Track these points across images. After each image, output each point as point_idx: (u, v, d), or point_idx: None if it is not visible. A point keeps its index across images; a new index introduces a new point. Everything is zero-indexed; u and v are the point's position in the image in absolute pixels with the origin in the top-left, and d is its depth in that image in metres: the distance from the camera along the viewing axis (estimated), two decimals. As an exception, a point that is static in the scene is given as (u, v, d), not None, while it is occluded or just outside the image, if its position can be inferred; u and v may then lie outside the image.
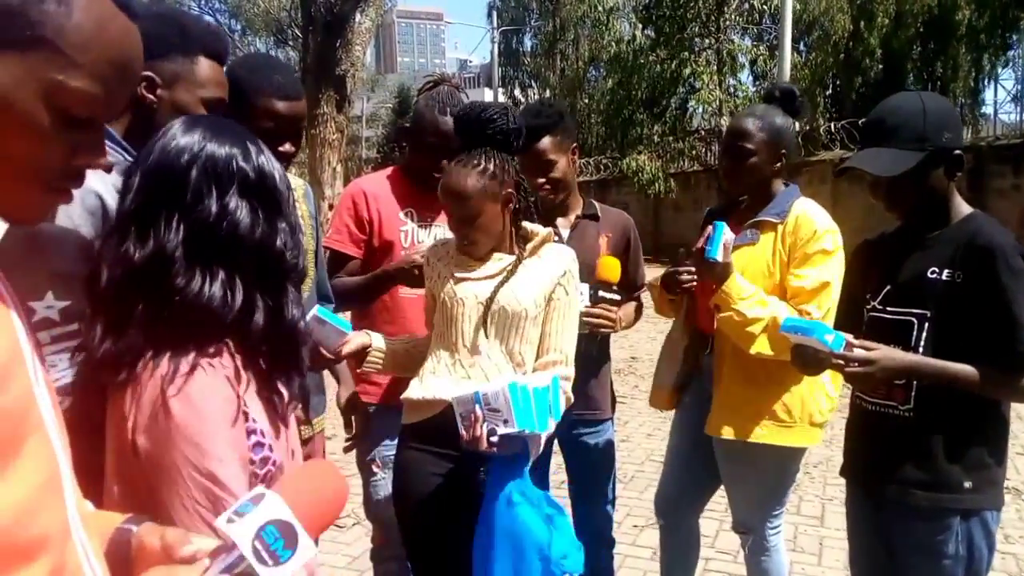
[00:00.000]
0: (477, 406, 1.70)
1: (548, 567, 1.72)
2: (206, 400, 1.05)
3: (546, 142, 2.36)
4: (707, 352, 2.36)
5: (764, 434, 2.20)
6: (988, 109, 24.47)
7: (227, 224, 1.11)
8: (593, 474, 2.49)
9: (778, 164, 2.29)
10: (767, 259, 2.23)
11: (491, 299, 1.89)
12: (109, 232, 1.12)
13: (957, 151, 1.75)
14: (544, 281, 1.95)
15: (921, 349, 1.74)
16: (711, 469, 2.40)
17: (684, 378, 2.45)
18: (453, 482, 1.90)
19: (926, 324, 1.74)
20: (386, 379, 2.35)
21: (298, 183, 2.17)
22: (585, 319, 2.25)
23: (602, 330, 2.31)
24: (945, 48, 21.97)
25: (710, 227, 2.14)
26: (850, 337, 1.74)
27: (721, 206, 2.51)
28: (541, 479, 2.45)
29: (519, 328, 1.92)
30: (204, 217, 1.11)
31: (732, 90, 18.65)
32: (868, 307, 1.85)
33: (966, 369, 1.67)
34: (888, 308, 1.81)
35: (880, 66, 22.47)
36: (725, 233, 2.09)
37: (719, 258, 2.07)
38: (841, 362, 1.71)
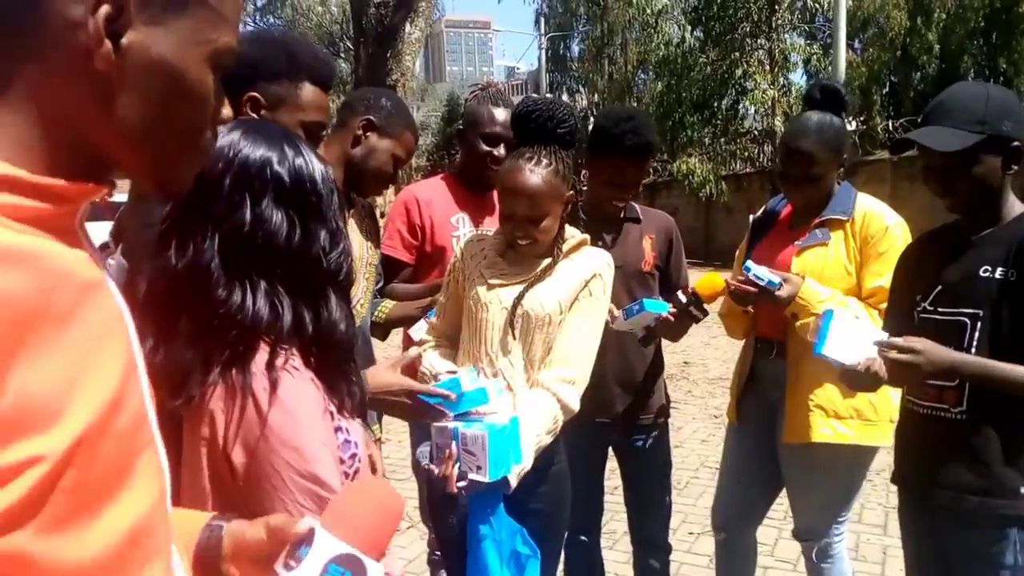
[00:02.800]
0: (454, 442, 1.64)
1: None
2: (298, 403, 1.06)
3: (643, 162, 2.36)
4: (770, 358, 2.32)
5: (853, 434, 2.16)
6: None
7: (262, 233, 1.09)
8: (647, 480, 2.48)
9: (841, 169, 2.26)
10: (842, 258, 2.19)
11: (516, 304, 1.86)
12: (155, 240, 1.12)
13: (1016, 143, 1.69)
14: (572, 284, 1.90)
15: (975, 351, 1.69)
16: (772, 480, 2.36)
17: (745, 388, 2.42)
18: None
19: (979, 324, 1.69)
20: None
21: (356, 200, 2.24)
22: (663, 327, 2.25)
23: (669, 338, 2.28)
24: (1008, 42, 21.24)
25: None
26: (884, 338, 1.71)
27: (765, 214, 2.47)
28: (594, 484, 2.44)
29: (543, 332, 1.87)
30: (239, 226, 1.09)
31: (785, 89, 18.34)
32: (919, 308, 1.80)
33: (1016, 370, 1.61)
34: (939, 309, 1.77)
35: (938, 63, 21.85)
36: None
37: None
38: (889, 352, 1.67)
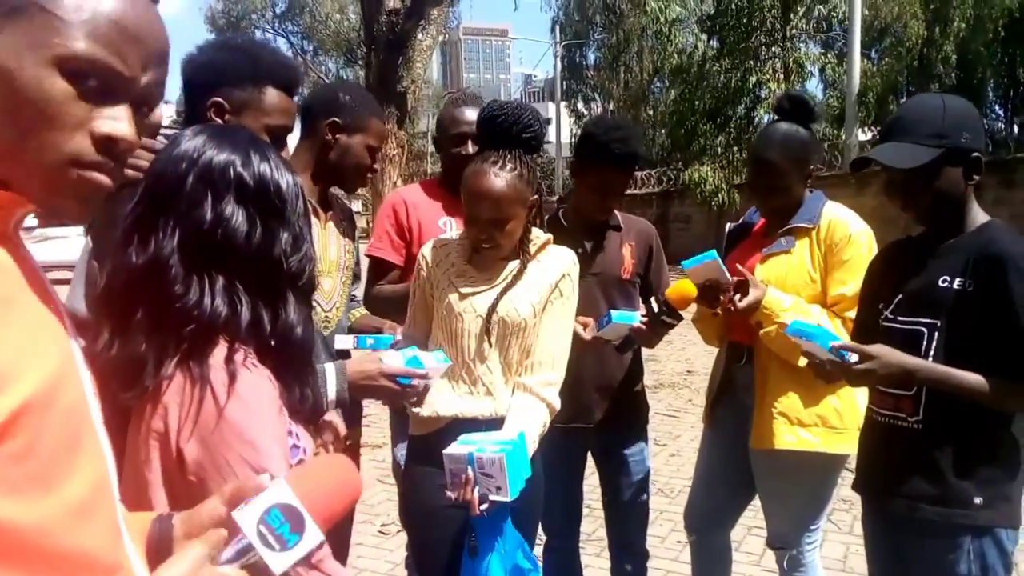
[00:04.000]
0: (470, 467, 1.66)
1: None
2: (255, 398, 1.07)
3: (628, 172, 2.39)
4: (741, 364, 2.34)
5: (818, 442, 2.16)
6: (1076, 115, 23.33)
7: (222, 230, 1.11)
8: (626, 486, 2.48)
9: (808, 179, 2.28)
10: (806, 266, 2.21)
11: (491, 311, 1.87)
12: (116, 239, 1.14)
13: (976, 153, 1.70)
14: (543, 287, 1.93)
15: (931, 358, 1.69)
16: (745, 484, 2.37)
17: (718, 392, 2.43)
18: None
19: (936, 334, 1.69)
20: None
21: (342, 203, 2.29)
22: (638, 335, 2.27)
23: (646, 346, 2.31)
24: (1027, 52, 21.06)
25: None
26: (842, 342, 1.72)
27: (741, 224, 2.48)
28: (573, 490, 2.46)
29: (519, 338, 1.90)
30: (199, 223, 1.11)
31: (800, 99, 18.22)
32: (882, 316, 1.81)
33: (971, 377, 1.61)
34: (900, 317, 1.77)
35: (956, 72, 21.68)
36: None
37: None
38: (839, 360, 1.68)
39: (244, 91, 1.60)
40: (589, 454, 2.52)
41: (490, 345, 1.88)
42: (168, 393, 1.06)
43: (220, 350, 1.08)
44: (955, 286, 1.67)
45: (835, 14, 18.48)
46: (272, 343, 1.13)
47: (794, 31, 18.20)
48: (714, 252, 2.15)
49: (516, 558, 1.77)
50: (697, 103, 19.18)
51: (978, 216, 1.76)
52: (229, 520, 0.82)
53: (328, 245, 2.08)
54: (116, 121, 0.74)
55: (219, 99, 1.58)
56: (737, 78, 17.96)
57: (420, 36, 10.34)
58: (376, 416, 4.75)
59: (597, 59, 32.09)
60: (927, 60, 21.00)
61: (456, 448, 1.70)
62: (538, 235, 1.98)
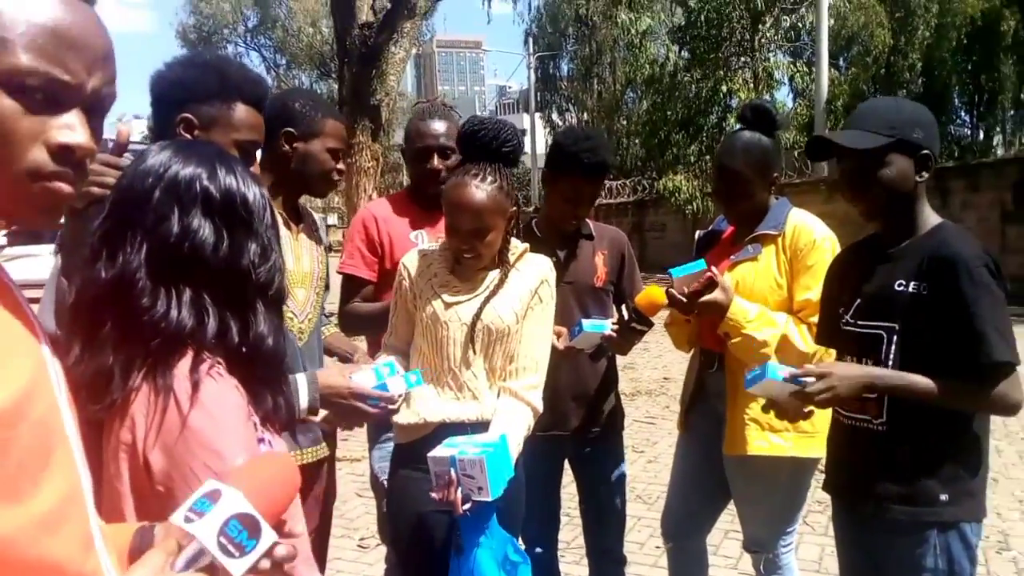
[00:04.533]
0: (452, 470, 1.71)
1: None
2: (220, 407, 1.08)
3: (598, 181, 2.42)
4: (712, 370, 2.37)
5: (789, 446, 2.19)
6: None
7: (188, 243, 1.12)
8: (602, 491, 2.50)
9: (772, 186, 2.32)
10: (772, 272, 2.24)
11: (476, 319, 1.92)
12: (85, 256, 1.14)
13: (926, 151, 1.74)
14: (523, 294, 1.98)
15: (891, 363, 1.73)
16: (720, 489, 2.40)
17: (691, 399, 2.46)
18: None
19: (895, 337, 1.73)
20: None
21: (312, 214, 2.29)
22: (610, 342, 2.29)
23: (618, 352, 2.32)
24: (989, 60, 21.53)
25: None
26: (793, 371, 1.74)
27: (710, 232, 2.52)
28: (550, 497, 2.47)
29: (503, 344, 1.95)
30: (166, 236, 1.11)
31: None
32: (842, 320, 1.84)
33: (925, 381, 1.64)
34: (859, 321, 1.81)
35: (922, 79, 22.11)
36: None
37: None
38: (800, 388, 1.71)
39: (213, 107, 1.61)
40: (567, 462, 2.53)
41: (475, 352, 1.93)
42: (135, 404, 1.07)
43: (185, 361, 1.09)
44: (910, 290, 1.71)
45: (803, 24, 18.78)
46: (243, 353, 1.14)
47: (763, 41, 18.46)
48: (703, 262, 2.18)
49: (506, 552, 1.82)
50: (669, 113, 19.39)
51: (930, 218, 1.80)
52: (178, 530, 0.83)
53: (301, 256, 2.08)
54: (69, 130, 0.75)
55: (188, 115, 1.59)
56: (708, 88, 18.18)
57: (393, 49, 10.35)
58: (356, 431, 4.74)
59: (570, 70, 32.34)
60: (894, 68, 21.42)
61: (440, 451, 1.75)
62: (516, 244, 2.03)
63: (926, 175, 1.75)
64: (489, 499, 1.71)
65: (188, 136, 1.54)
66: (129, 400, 1.07)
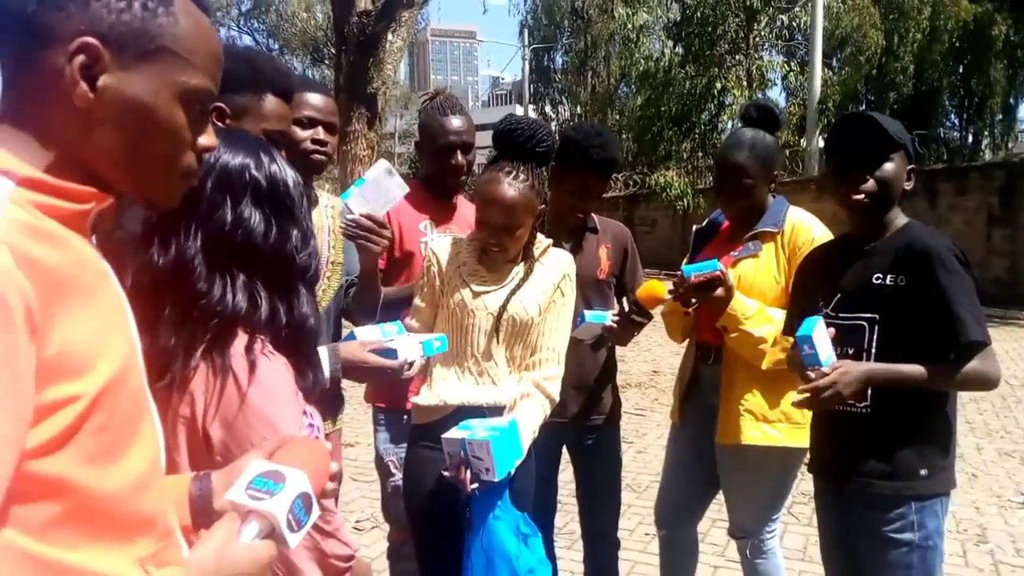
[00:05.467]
0: (463, 451, 1.82)
1: None
2: (274, 383, 1.16)
3: (606, 176, 2.49)
4: (709, 363, 2.45)
5: (782, 436, 2.28)
6: (1026, 125, 24.16)
7: (242, 231, 1.19)
8: (599, 477, 2.58)
9: (773, 184, 2.40)
10: (772, 268, 2.33)
11: (502, 309, 2.01)
12: (137, 241, 1.21)
13: (913, 167, 1.93)
14: (546, 287, 2.08)
15: (873, 350, 1.86)
16: (711, 479, 2.48)
17: (686, 391, 2.55)
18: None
19: (876, 327, 1.87)
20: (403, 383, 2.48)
21: (336, 200, 2.34)
22: (611, 333, 2.36)
23: (618, 343, 2.41)
24: (980, 64, 21.74)
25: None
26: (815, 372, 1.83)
27: (708, 225, 2.60)
28: (548, 482, 2.56)
29: (525, 334, 2.05)
30: (220, 225, 1.19)
31: (763, 106, 18.59)
32: (823, 315, 1.95)
33: (915, 368, 1.79)
34: (841, 314, 1.93)
35: (914, 81, 22.30)
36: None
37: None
38: (810, 393, 1.82)
39: (244, 97, 1.68)
40: (565, 449, 2.61)
41: (498, 341, 2.03)
42: (194, 381, 1.14)
43: (240, 341, 1.16)
44: (888, 282, 1.85)
45: (797, 23, 18.91)
46: (287, 332, 1.22)
47: (757, 39, 18.58)
48: (716, 263, 2.24)
49: (518, 524, 1.93)
50: (663, 109, 19.50)
51: (899, 218, 1.95)
52: (240, 506, 0.92)
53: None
54: (209, 136, 0.90)
55: (220, 104, 1.64)
56: (702, 85, 18.29)
57: (390, 38, 10.38)
58: (349, 417, 4.79)
59: (565, 63, 32.33)
60: (886, 69, 21.57)
61: (453, 433, 1.85)
62: (541, 240, 2.13)
63: (910, 185, 1.92)
64: (495, 480, 1.80)
65: (219, 124, 1.60)
66: (188, 378, 1.14)
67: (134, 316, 1.11)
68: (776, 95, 20.79)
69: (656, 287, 2.31)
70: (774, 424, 2.28)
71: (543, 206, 2.04)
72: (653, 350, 8.29)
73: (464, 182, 2.67)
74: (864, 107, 22.30)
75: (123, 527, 0.79)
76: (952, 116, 25.50)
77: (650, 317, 2.37)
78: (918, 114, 20.67)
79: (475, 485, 1.82)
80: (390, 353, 1.81)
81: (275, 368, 1.17)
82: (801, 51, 19.67)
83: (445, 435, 1.86)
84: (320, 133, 2.04)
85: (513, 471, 1.87)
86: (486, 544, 1.87)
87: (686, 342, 2.59)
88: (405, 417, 2.36)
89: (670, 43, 20.34)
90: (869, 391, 1.87)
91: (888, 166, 1.86)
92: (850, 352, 1.88)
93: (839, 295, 1.95)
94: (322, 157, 2.07)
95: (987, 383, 1.84)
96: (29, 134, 0.79)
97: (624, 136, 26.06)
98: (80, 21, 0.78)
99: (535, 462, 2.20)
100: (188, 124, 0.86)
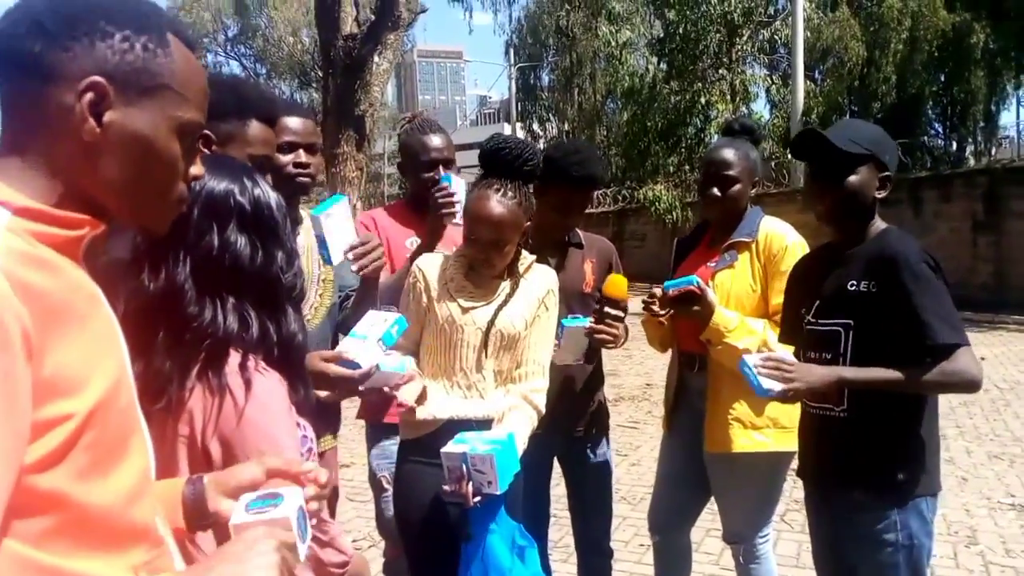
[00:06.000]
0: (464, 465, 1.84)
1: None
2: (270, 399, 1.20)
3: (587, 192, 2.54)
4: (694, 371, 2.50)
5: (770, 442, 2.32)
6: (1012, 132, 24.45)
7: (229, 255, 1.23)
8: (591, 488, 2.62)
9: (754, 191, 2.46)
10: (748, 278, 2.39)
11: (491, 324, 2.05)
12: (126, 267, 1.24)
13: (887, 174, 1.94)
14: (532, 302, 2.13)
15: (848, 355, 1.90)
16: (703, 485, 2.52)
17: (675, 400, 2.58)
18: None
19: (851, 332, 1.90)
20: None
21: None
22: (593, 335, 2.38)
23: (606, 346, 2.44)
24: (961, 72, 22.00)
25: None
26: (763, 354, 1.90)
27: (689, 236, 2.66)
28: (540, 494, 2.58)
29: (512, 348, 2.09)
30: (208, 250, 1.23)
31: (747, 118, 18.79)
32: (804, 321, 2.00)
33: (887, 372, 1.81)
34: (819, 320, 1.97)
35: (896, 91, 22.55)
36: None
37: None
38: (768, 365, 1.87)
39: (230, 124, 1.72)
40: (556, 461, 2.65)
41: (486, 355, 2.07)
42: (191, 401, 1.18)
43: (234, 359, 1.20)
44: (861, 288, 1.89)
45: (778, 37, 19.14)
46: (278, 350, 1.26)
47: (740, 54, 18.79)
48: (695, 278, 2.30)
49: (514, 537, 1.96)
50: (649, 124, 19.64)
51: (878, 226, 1.98)
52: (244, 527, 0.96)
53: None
54: (197, 166, 0.97)
55: (206, 131, 1.69)
56: (687, 100, 18.47)
57: (377, 60, 10.46)
58: (344, 437, 4.81)
59: (551, 81, 32.55)
60: (868, 80, 21.81)
61: (452, 447, 1.87)
62: (525, 256, 2.18)
63: (883, 194, 1.94)
64: (498, 492, 1.84)
65: (206, 151, 1.64)
66: (184, 399, 1.18)
67: (128, 340, 1.15)
68: (760, 108, 21.02)
69: (620, 280, 2.37)
70: (762, 430, 2.33)
71: (528, 223, 2.08)
72: (646, 363, 8.32)
73: None
74: (848, 117, 22.53)
75: (116, 537, 0.83)
76: (936, 124, 25.75)
77: (624, 310, 2.39)
78: (902, 123, 20.86)
79: (478, 499, 1.85)
80: (351, 364, 1.76)
81: (270, 385, 1.21)
82: (784, 64, 19.90)
83: (444, 449, 1.87)
84: (301, 156, 2.07)
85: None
86: (485, 557, 1.89)
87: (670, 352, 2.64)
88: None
89: (654, 59, 20.55)
90: (846, 395, 1.90)
91: (852, 179, 1.89)
92: (827, 357, 1.92)
93: (818, 302, 1.99)
94: (306, 179, 2.10)
95: (967, 384, 1.83)
96: (29, 164, 0.83)
97: (612, 152, 26.27)
98: (86, 61, 0.83)
99: (525, 472, 2.24)
100: (180, 156, 0.92)
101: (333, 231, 1.96)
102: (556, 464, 2.67)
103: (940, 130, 25.96)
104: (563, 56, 30.07)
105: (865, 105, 22.75)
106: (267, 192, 1.32)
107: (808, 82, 18.24)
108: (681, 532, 2.68)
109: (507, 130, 33.37)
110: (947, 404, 6.10)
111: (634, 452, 5.44)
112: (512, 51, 31.73)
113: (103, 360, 0.83)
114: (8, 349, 0.70)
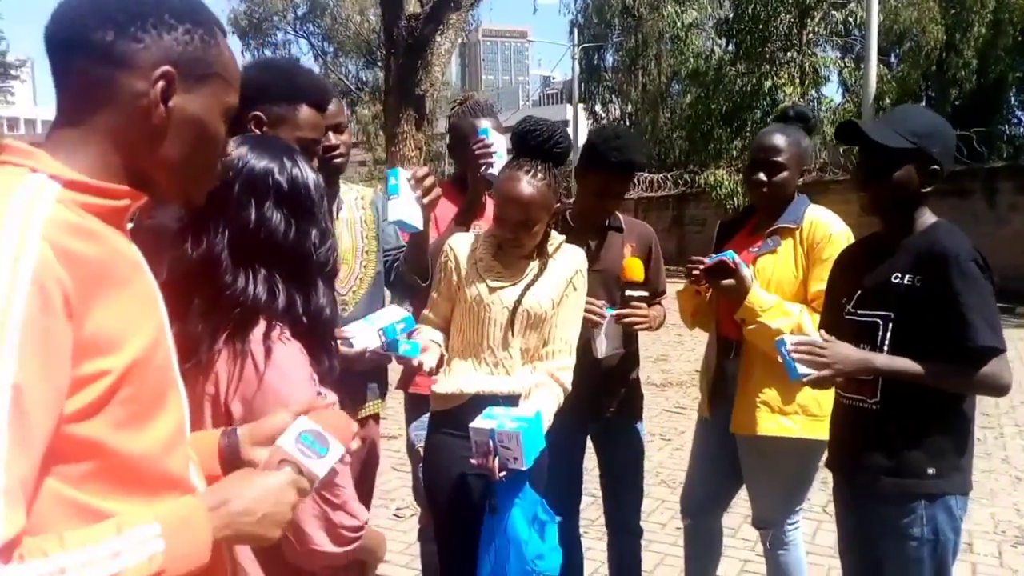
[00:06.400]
0: (491, 440, 1.90)
1: (522, 565, 1.95)
2: (289, 366, 1.28)
3: (626, 178, 2.57)
4: (730, 357, 2.51)
5: (798, 428, 2.33)
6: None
7: (264, 230, 1.32)
8: (621, 468, 2.66)
9: (801, 179, 2.45)
10: (790, 264, 2.39)
11: (518, 303, 2.11)
12: (173, 237, 1.34)
13: (936, 167, 1.88)
14: (559, 282, 2.17)
15: (886, 348, 1.87)
16: (735, 471, 2.54)
17: (713, 386, 2.60)
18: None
19: (890, 325, 1.87)
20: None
21: (367, 192, 2.47)
22: (622, 321, 2.44)
23: (636, 328, 2.48)
24: (1047, 57, 20.96)
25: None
26: (802, 336, 1.90)
27: (731, 219, 2.67)
28: (573, 472, 2.64)
29: (539, 327, 2.15)
30: (245, 224, 1.31)
31: (816, 102, 18.32)
32: (844, 311, 1.99)
33: (913, 364, 1.80)
34: (859, 311, 1.95)
35: (977, 77, 21.61)
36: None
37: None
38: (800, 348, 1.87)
39: (281, 108, 1.82)
40: (589, 441, 2.70)
41: (513, 334, 2.13)
42: (219, 363, 1.28)
43: (260, 328, 1.29)
44: (905, 282, 1.86)
45: (853, 19, 18.52)
46: (305, 321, 1.34)
47: (811, 36, 18.25)
48: (731, 252, 2.34)
49: (536, 512, 2.03)
50: (713, 107, 19.30)
51: (927, 218, 1.94)
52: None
53: (342, 235, 2.26)
54: (231, 144, 1.08)
55: (259, 113, 1.79)
56: (753, 83, 18.06)
57: (439, 40, 10.54)
58: (392, 409, 4.96)
59: (615, 62, 32.14)
60: (947, 65, 20.96)
61: (481, 423, 1.94)
62: (555, 236, 2.22)
63: (930, 188, 1.89)
64: (523, 468, 1.90)
65: (258, 131, 1.74)
66: (213, 360, 1.27)
67: (168, 304, 1.25)
68: (831, 92, 20.43)
69: (634, 263, 2.45)
70: (790, 416, 2.33)
71: (558, 204, 2.12)
72: (697, 349, 8.23)
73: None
74: (924, 103, 21.71)
75: (150, 483, 0.92)
76: (1018, 112, 24.62)
77: (644, 290, 2.46)
78: (981, 110, 20.03)
79: (503, 473, 1.91)
80: (347, 343, 1.91)
81: (291, 353, 1.29)
82: (857, 47, 19.26)
83: (473, 424, 1.94)
84: (331, 138, 2.17)
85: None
86: (502, 529, 1.96)
87: (707, 338, 2.66)
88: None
89: (721, 41, 20.13)
90: (879, 387, 1.89)
91: (893, 174, 1.86)
92: (864, 349, 1.90)
93: (859, 292, 1.97)
94: (340, 159, 2.22)
95: (997, 389, 1.82)
96: (87, 139, 0.92)
97: (675, 135, 25.87)
98: (157, 51, 0.93)
99: (558, 451, 2.29)
100: (224, 136, 1.02)
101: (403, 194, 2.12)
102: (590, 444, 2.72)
103: (1023, 118, 24.84)
104: (628, 37, 29.67)
105: (943, 91, 21.88)
106: (306, 172, 1.39)
107: (882, 66, 17.63)
108: (713, 517, 2.70)
109: (569, 111, 33.14)
110: (1008, 402, 5.92)
111: (678, 437, 5.44)
112: (576, 31, 31.41)
113: (141, 322, 0.92)
114: (50, 311, 0.78)
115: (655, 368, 7.37)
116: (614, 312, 2.41)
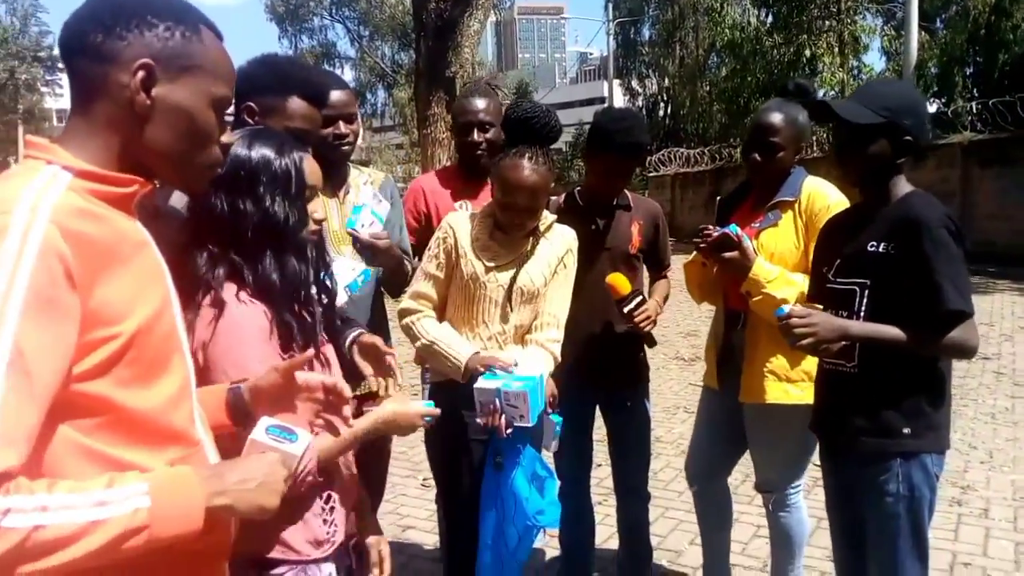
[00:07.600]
0: (497, 399, 2.00)
1: (524, 520, 2.07)
2: (244, 322, 1.42)
3: (632, 159, 2.64)
4: (738, 328, 2.58)
5: (802, 394, 2.39)
6: None
7: (204, 210, 1.47)
8: (629, 436, 2.77)
9: (798, 156, 2.50)
10: (791, 236, 2.45)
11: (512, 282, 2.22)
12: (183, 222, 1.53)
13: (909, 138, 1.93)
14: (551, 260, 2.28)
15: (863, 314, 1.94)
16: (737, 439, 2.63)
17: (721, 356, 2.68)
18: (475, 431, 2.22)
19: (867, 292, 1.94)
20: None
21: (378, 175, 2.60)
22: (637, 329, 2.52)
23: (645, 328, 2.55)
24: (1101, 18, 20.10)
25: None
26: (795, 307, 1.95)
27: (732, 193, 2.73)
28: (583, 440, 2.75)
29: (531, 303, 2.26)
30: (211, 209, 1.47)
31: (857, 71, 17.94)
32: (825, 280, 2.05)
33: (891, 330, 1.86)
34: (838, 279, 2.02)
35: (1027, 40, 20.85)
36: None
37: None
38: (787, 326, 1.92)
39: (270, 99, 1.95)
40: (597, 408, 2.80)
41: (510, 310, 2.25)
42: (198, 320, 1.43)
43: (227, 291, 1.45)
44: (880, 250, 1.92)
45: (893, -16, 18.05)
46: (258, 287, 1.48)
47: (850, 3, 17.83)
48: (734, 226, 2.40)
49: (535, 468, 2.15)
50: (750, 79, 19.00)
51: (903, 188, 2.00)
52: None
53: (332, 217, 2.35)
54: (228, 134, 1.17)
55: (251, 104, 1.92)
56: (791, 53, 17.74)
57: (468, 21, 10.58)
58: (418, 388, 5.12)
59: (651, 36, 31.80)
60: (995, 28, 20.26)
61: (485, 383, 2.04)
62: (546, 216, 2.32)
63: (904, 159, 1.96)
64: (529, 424, 2.02)
65: (251, 121, 1.87)
66: (193, 320, 1.43)
67: (173, 269, 1.39)
68: (873, 60, 19.92)
69: (616, 278, 2.51)
70: (797, 383, 2.41)
71: (553, 185, 2.23)
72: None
73: (485, 161, 2.80)
74: (971, 69, 21.03)
75: (155, 436, 1.06)
76: (1071, 76, 23.68)
77: (635, 298, 2.51)
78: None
79: (509, 431, 2.03)
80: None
81: (246, 314, 1.45)
82: (899, 13, 18.75)
83: (477, 384, 2.04)
84: (341, 127, 2.31)
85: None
86: (503, 485, 2.09)
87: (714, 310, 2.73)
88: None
89: (757, 11, 19.76)
90: (857, 351, 1.96)
91: (863, 147, 1.92)
92: (843, 315, 1.97)
93: (839, 261, 2.04)
94: (347, 147, 2.37)
95: (964, 351, 1.90)
96: (91, 131, 1.05)
97: (714, 108, 25.52)
98: (138, 47, 1.04)
99: (569, 420, 2.41)
100: (216, 125, 1.12)
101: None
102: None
103: (1077, 81, 23.89)
104: (664, 10, 29.30)
105: (991, 55, 21.17)
106: (294, 161, 1.52)
107: (923, 33, 17.14)
108: (718, 480, 2.79)
109: (605, 88, 32.85)
110: (951, 364, 5.87)
111: (694, 406, 5.49)
112: (612, 6, 31.08)
113: (146, 294, 1.05)
114: (56, 284, 0.91)
115: (685, 343, 7.40)
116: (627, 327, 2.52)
